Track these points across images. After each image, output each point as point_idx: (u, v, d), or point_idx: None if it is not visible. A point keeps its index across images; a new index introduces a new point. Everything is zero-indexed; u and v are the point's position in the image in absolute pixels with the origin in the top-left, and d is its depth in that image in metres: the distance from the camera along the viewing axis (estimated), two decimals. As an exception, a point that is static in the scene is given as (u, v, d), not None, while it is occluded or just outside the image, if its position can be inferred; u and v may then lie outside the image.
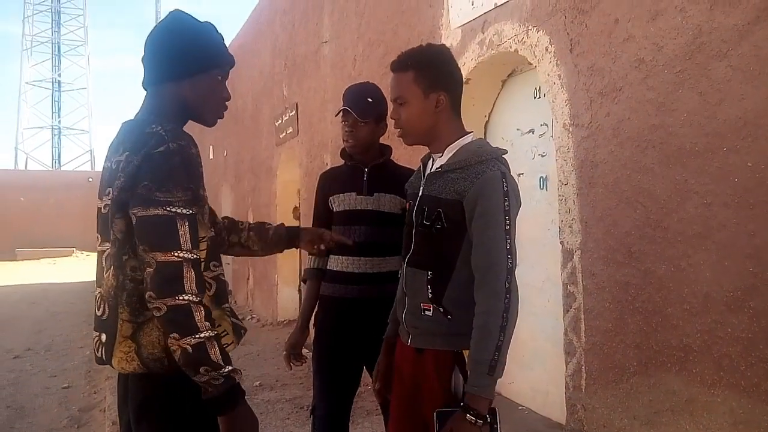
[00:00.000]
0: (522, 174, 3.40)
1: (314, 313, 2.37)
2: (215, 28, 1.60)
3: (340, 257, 2.26)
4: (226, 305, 1.58)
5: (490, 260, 1.55)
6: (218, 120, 1.63)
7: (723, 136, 2.00)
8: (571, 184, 2.64)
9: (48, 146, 45.11)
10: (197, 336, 1.31)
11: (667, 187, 2.19)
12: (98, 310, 1.48)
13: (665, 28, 2.19)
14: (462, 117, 1.76)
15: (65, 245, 22.89)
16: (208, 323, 1.34)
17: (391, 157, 2.36)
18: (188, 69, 1.52)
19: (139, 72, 1.59)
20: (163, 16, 1.73)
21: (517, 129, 3.48)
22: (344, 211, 2.27)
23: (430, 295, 1.65)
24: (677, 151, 2.15)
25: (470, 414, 1.48)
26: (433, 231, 1.64)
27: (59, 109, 45.40)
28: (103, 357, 1.47)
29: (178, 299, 1.31)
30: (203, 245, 1.50)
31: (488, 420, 1.51)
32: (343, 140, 2.29)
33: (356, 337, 2.18)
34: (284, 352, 2.35)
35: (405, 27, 4.07)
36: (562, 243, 2.70)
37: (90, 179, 23.62)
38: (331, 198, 2.29)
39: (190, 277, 1.34)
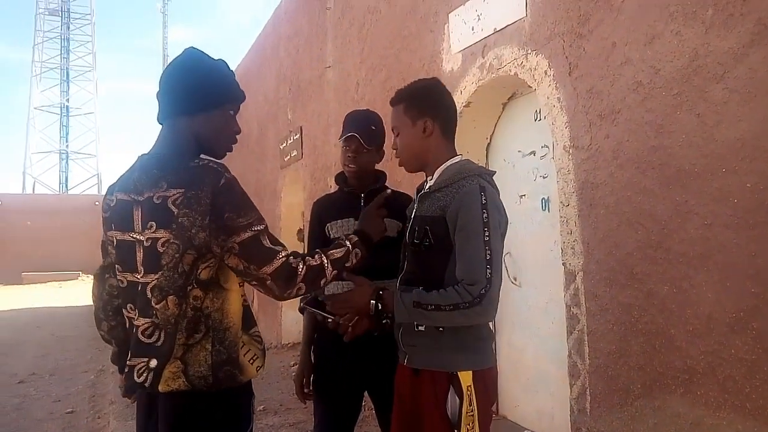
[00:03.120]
0: (524, 195, 3.41)
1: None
2: (227, 64, 1.68)
3: (340, 282, 2.25)
4: (254, 330, 1.66)
5: (469, 269, 1.59)
6: (228, 153, 1.71)
7: (722, 157, 2.01)
8: (573, 206, 2.65)
9: (56, 170, 45.47)
10: (328, 270, 1.61)
11: (668, 208, 2.20)
12: (148, 338, 1.54)
13: (662, 52, 2.22)
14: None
15: (71, 269, 22.94)
16: (324, 258, 1.61)
17: (386, 183, 2.38)
18: (203, 104, 1.59)
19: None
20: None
21: (519, 151, 3.50)
22: None
23: None
24: (677, 173, 2.16)
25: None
26: (422, 248, 1.72)
27: (67, 133, 45.82)
28: (147, 381, 1.52)
29: (300, 270, 1.53)
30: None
31: (379, 307, 1.66)
32: (344, 165, 2.30)
33: (357, 362, 2.17)
34: (296, 389, 2.34)
35: (406, 52, 4.13)
36: (564, 264, 2.70)
37: (96, 203, 23.71)
38: (328, 225, 2.28)
39: (294, 263, 1.54)
